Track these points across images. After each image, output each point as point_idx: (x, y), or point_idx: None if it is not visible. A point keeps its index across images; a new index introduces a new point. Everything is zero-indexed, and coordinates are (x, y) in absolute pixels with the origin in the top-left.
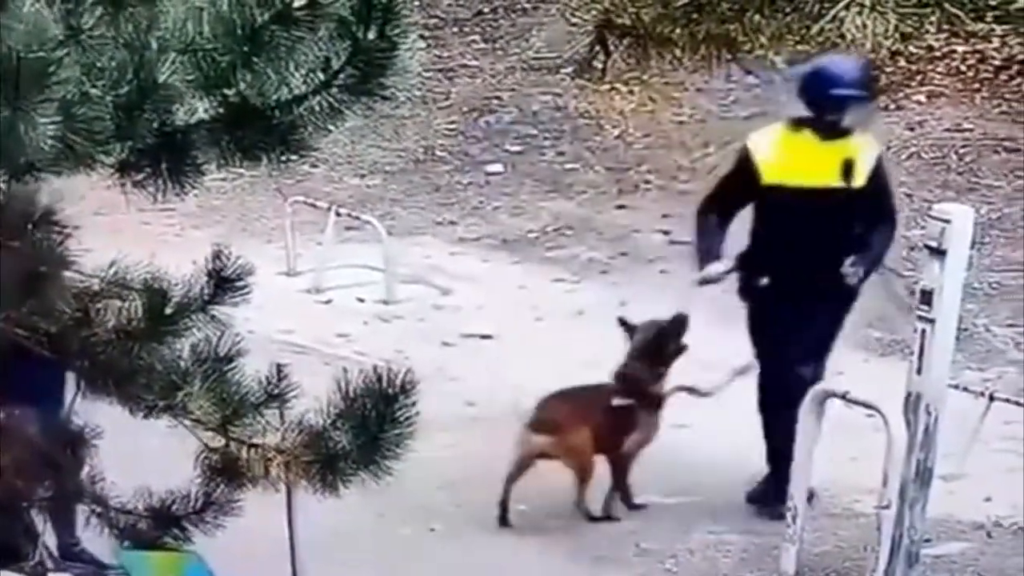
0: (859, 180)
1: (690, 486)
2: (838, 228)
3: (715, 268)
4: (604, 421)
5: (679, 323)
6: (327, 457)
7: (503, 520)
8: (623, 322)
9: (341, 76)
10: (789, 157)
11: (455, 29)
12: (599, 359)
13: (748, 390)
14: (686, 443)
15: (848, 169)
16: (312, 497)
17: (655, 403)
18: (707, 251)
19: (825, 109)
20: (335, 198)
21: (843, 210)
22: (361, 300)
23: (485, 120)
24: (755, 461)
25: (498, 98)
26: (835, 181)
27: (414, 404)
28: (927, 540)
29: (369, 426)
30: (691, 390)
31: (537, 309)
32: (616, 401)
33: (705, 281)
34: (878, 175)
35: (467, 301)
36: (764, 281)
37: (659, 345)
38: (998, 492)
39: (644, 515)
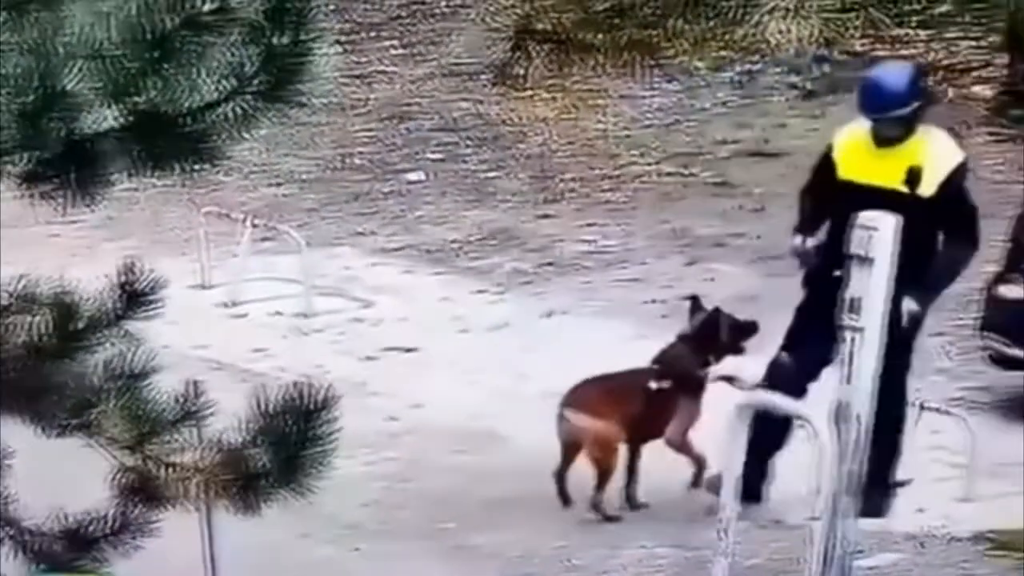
0: (927, 189)
1: (621, 501)
2: (907, 236)
3: (797, 240)
4: (640, 407)
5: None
6: (246, 476)
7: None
8: (694, 304)
9: (254, 82)
10: (857, 155)
11: (371, 34)
12: (526, 371)
13: None
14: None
15: (914, 176)
16: (232, 517)
17: (695, 387)
18: (798, 229)
19: (876, 123)
20: (250, 208)
21: (913, 219)
22: (279, 313)
23: (404, 127)
24: (687, 474)
25: (417, 104)
26: (899, 185)
27: (335, 420)
28: (859, 551)
29: (289, 443)
30: (731, 380)
31: (460, 321)
32: (653, 384)
33: (800, 258)
34: (952, 187)
35: (388, 313)
36: (837, 273)
37: (706, 334)
38: (930, 502)
39: (575, 530)
